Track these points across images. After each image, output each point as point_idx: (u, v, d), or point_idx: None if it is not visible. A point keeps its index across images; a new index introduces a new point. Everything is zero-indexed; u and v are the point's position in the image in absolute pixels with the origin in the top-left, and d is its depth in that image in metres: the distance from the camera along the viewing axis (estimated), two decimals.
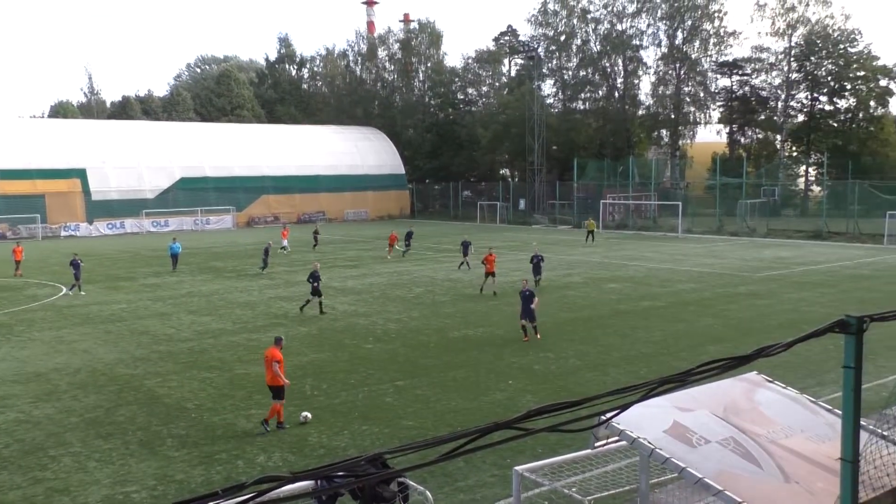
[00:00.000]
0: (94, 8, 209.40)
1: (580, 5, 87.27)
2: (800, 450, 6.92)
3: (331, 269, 40.43)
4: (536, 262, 33.15)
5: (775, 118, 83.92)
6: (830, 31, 77.60)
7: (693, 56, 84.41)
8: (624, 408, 3.81)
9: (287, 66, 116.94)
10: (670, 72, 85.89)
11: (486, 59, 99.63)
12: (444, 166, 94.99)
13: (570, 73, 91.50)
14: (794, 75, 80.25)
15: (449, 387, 18.13)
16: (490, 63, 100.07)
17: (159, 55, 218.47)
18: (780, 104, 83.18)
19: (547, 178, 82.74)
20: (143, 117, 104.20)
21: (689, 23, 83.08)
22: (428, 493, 7.68)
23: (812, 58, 78.08)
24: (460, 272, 38.47)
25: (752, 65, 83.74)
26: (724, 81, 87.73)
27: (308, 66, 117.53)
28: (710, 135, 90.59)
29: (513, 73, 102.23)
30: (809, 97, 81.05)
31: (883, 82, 77.36)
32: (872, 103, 78.28)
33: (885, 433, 6.57)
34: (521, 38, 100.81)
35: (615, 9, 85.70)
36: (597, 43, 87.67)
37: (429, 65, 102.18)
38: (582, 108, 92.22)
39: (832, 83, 78.36)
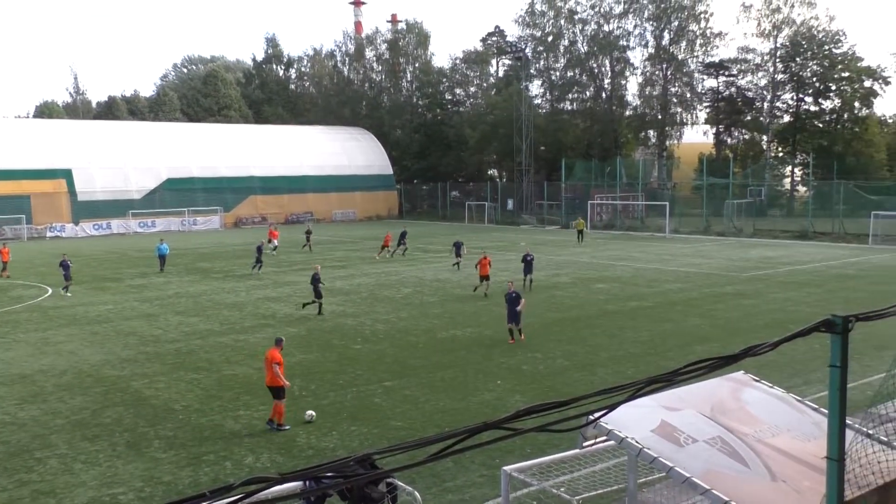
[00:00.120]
0: (80, 7, 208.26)
1: (567, 6, 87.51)
2: (786, 448, 6.96)
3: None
4: (528, 262, 32.96)
5: (761, 119, 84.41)
6: (815, 33, 78.14)
7: (680, 57, 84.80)
8: (612, 408, 3.83)
9: (274, 66, 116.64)
10: (657, 72, 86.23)
11: (473, 59, 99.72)
12: (432, 167, 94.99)
13: (558, 73, 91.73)
14: (780, 76, 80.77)
15: (437, 387, 18.13)
16: (478, 63, 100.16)
17: (145, 55, 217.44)
18: (765, 105, 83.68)
19: (535, 179, 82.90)
20: (130, 117, 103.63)
21: (676, 24, 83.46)
22: (416, 493, 7.68)
23: (797, 59, 78.58)
24: (449, 272, 38.48)
25: (739, 66, 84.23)
26: (710, 82, 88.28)
27: (295, 66, 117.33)
28: (697, 135, 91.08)
29: (500, 74, 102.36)
30: (795, 98, 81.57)
31: (867, 83, 77.93)
32: (857, 104, 78.84)
33: (870, 432, 6.62)
34: (509, 38, 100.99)
35: (602, 9, 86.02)
36: (584, 44, 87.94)
37: (416, 65, 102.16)
38: (569, 108, 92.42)
39: (817, 84, 78.87)
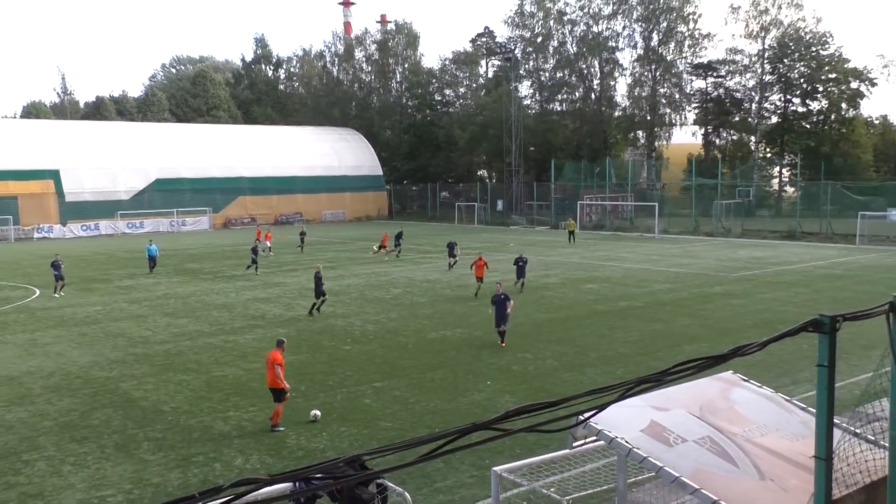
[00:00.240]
0: (67, 7, 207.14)
1: (556, 7, 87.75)
2: (775, 448, 7.00)
3: (308, 271, 40.22)
4: (521, 265, 32.74)
5: (749, 120, 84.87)
6: (802, 34, 78.65)
7: (668, 58, 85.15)
8: (601, 408, 3.84)
9: (263, 66, 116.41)
10: (646, 73, 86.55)
11: (463, 60, 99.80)
12: (421, 167, 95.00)
13: (547, 74, 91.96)
14: (768, 77, 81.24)
15: (427, 388, 18.12)
16: (467, 64, 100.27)
17: (134, 55, 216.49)
18: (754, 106, 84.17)
19: (524, 179, 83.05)
20: (118, 118, 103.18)
21: (665, 25, 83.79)
22: (406, 494, 7.67)
23: (785, 60, 79.07)
24: (439, 273, 38.48)
25: (727, 67, 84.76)
26: (698, 83, 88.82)
27: (284, 66, 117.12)
28: (686, 136, 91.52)
29: (490, 75, 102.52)
30: (783, 99, 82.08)
31: (854, 84, 78.49)
32: (844, 105, 79.45)
33: (857, 431, 6.66)
34: (498, 39, 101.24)
35: (591, 10, 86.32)
36: (573, 44, 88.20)
37: (406, 66, 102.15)
38: (559, 109, 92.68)
39: (805, 85, 79.38)
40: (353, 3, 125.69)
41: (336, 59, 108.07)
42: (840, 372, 5.17)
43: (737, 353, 3.92)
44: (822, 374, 4.30)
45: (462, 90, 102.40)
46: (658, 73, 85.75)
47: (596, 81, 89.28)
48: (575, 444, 8.79)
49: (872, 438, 6.53)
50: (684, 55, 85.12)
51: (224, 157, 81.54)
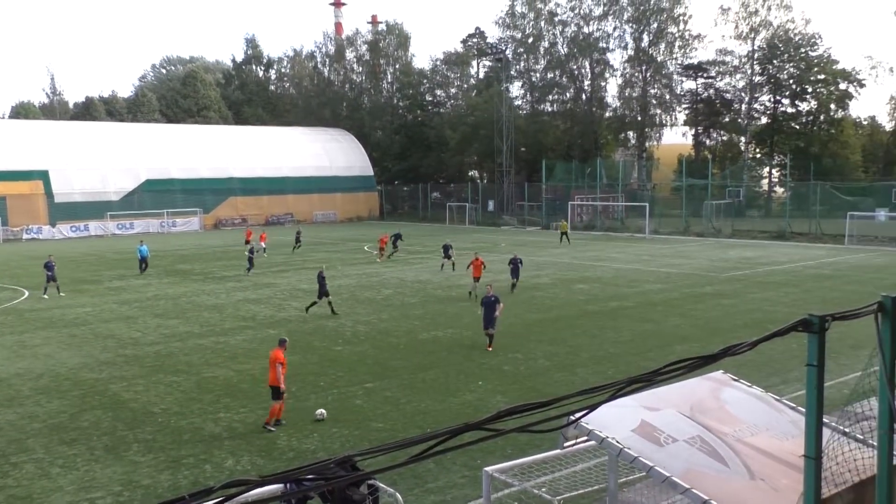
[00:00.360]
0: (57, 7, 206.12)
1: (547, 8, 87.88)
2: (765, 447, 7.03)
3: (299, 272, 40.22)
4: (515, 265, 32.60)
5: (739, 120, 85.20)
6: (792, 35, 79.03)
7: (659, 59, 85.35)
8: (592, 408, 3.84)
9: (254, 67, 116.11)
10: (636, 74, 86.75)
11: (454, 60, 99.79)
12: (412, 168, 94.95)
13: (538, 75, 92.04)
14: (758, 78, 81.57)
15: (419, 388, 18.12)
16: (458, 65, 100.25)
17: (123, 56, 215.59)
18: (743, 106, 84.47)
19: (515, 180, 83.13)
20: (108, 118, 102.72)
21: (655, 26, 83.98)
22: (398, 494, 7.67)
23: (774, 61, 79.43)
24: (430, 274, 38.48)
25: (717, 68, 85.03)
26: (689, 84, 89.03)
27: (275, 67, 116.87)
28: (676, 137, 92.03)
29: (481, 75, 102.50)
30: (772, 100, 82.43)
31: (842, 85, 78.92)
32: (833, 106, 79.86)
33: (846, 430, 6.69)
34: (489, 40, 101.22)
35: (582, 11, 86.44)
36: (564, 45, 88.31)
37: (397, 66, 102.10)
38: (550, 109, 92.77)
39: (794, 86, 79.77)
40: (343, 4, 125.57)
41: (327, 60, 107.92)
42: (829, 371, 5.20)
43: (727, 353, 3.93)
44: (812, 374, 4.32)
45: (453, 91, 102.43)
46: (648, 74, 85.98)
47: (587, 82, 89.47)
48: (566, 444, 8.81)
49: (861, 437, 6.56)
50: (675, 56, 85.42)
51: (214, 158, 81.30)
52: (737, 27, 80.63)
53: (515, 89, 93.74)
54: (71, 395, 17.93)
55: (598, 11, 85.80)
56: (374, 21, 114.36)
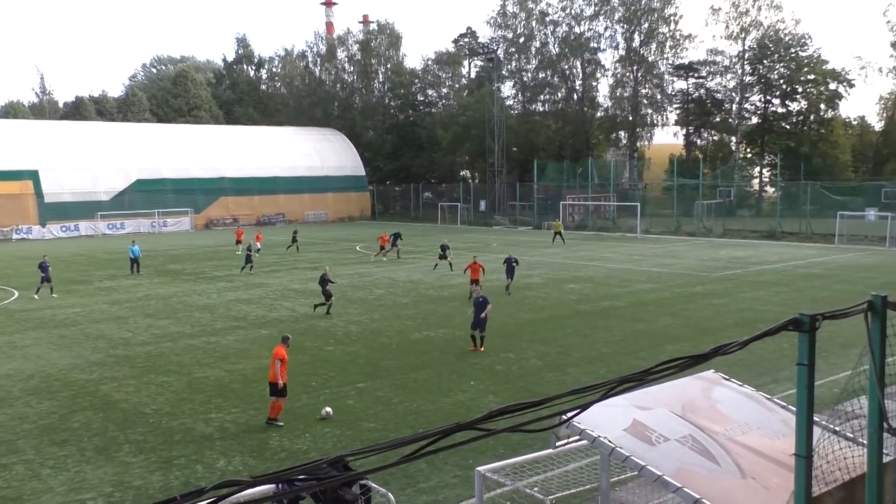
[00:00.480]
0: (46, 6, 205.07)
1: (539, 8, 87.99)
2: (756, 446, 7.05)
3: (291, 272, 40.16)
4: (510, 265, 32.37)
5: (730, 120, 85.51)
6: (782, 36, 79.39)
7: (650, 59, 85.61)
8: (584, 407, 3.85)
9: (245, 66, 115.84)
10: (628, 74, 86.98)
11: (445, 60, 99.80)
12: (404, 167, 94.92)
13: (530, 74, 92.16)
14: (748, 78, 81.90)
15: (411, 388, 18.11)
16: (449, 65, 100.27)
17: (114, 55, 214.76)
18: (734, 106, 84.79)
19: (507, 180, 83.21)
20: (98, 118, 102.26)
21: (646, 26, 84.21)
22: (390, 494, 7.67)
23: (765, 61, 79.76)
24: (422, 274, 38.48)
25: (708, 68, 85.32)
26: (680, 84, 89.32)
27: (266, 66, 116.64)
28: (667, 136, 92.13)
29: (472, 75, 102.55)
30: (763, 100, 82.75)
31: (832, 86, 79.31)
32: (823, 106, 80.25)
33: (837, 428, 6.73)
34: (481, 39, 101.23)
35: (573, 11, 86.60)
36: (555, 45, 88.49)
37: (388, 66, 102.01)
38: (541, 109, 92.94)
39: (784, 86, 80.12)
40: (335, 4, 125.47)
41: (318, 60, 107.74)
42: (819, 370, 5.22)
43: (718, 353, 3.95)
44: (802, 373, 4.34)
45: (444, 90, 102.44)
46: (640, 74, 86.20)
47: (578, 82, 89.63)
48: (558, 443, 8.82)
49: (851, 436, 6.60)
50: (665, 56, 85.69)
51: (205, 158, 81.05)
52: (727, 27, 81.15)
53: (507, 89, 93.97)
54: (61, 396, 17.84)
55: (589, 11, 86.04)
56: (365, 21, 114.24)
